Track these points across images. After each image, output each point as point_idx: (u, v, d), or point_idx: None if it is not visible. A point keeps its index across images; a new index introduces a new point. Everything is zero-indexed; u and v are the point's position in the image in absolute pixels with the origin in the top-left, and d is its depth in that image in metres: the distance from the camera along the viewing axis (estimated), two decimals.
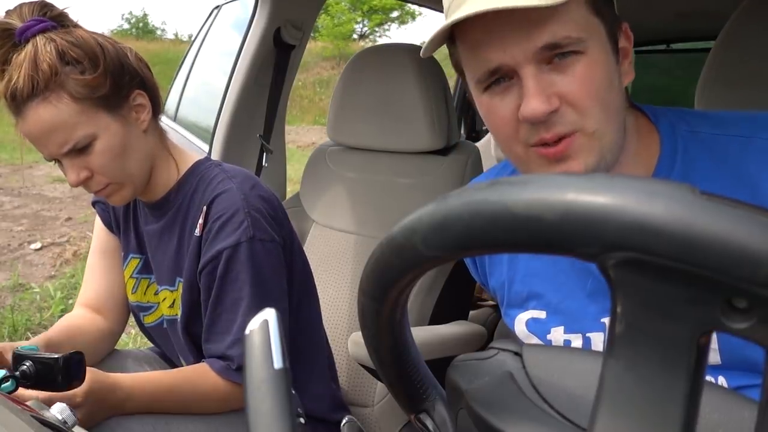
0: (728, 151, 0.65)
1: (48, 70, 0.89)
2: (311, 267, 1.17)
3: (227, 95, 1.73)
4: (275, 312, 0.34)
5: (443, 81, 1.46)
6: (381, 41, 15.56)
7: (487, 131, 2.86)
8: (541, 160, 0.64)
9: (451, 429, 0.49)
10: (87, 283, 1.18)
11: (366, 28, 18.80)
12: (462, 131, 2.80)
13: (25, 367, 0.81)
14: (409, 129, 1.44)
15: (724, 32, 1.01)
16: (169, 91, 3.19)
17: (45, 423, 0.57)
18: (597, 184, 0.27)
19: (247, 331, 0.34)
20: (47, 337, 1.00)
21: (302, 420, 0.40)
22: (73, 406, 0.81)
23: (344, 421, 0.59)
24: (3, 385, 0.79)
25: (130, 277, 1.15)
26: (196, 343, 1.05)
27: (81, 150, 0.94)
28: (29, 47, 0.90)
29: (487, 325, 1.41)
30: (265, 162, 1.76)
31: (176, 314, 1.08)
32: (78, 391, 0.84)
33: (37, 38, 0.90)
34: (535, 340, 0.77)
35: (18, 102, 0.90)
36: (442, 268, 1.37)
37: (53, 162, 0.97)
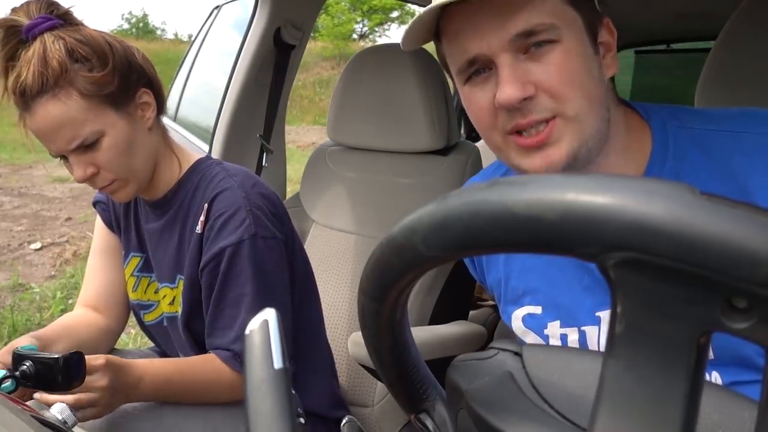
0: (719, 146, 0.66)
1: (58, 67, 0.90)
2: (311, 267, 1.17)
3: (227, 95, 1.73)
4: (275, 312, 0.34)
5: (443, 81, 1.46)
6: (381, 41, 15.57)
7: None
8: (519, 150, 0.65)
9: (451, 429, 0.49)
10: (87, 282, 1.18)
11: (366, 28, 18.81)
12: (462, 131, 2.80)
13: (25, 367, 0.81)
14: (409, 129, 1.44)
15: (724, 32, 1.01)
16: (169, 91, 3.19)
17: (45, 423, 0.57)
18: (597, 184, 0.27)
19: (247, 331, 0.34)
20: (43, 335, 1.01)
21: (302, 420, 0.40)
22: (96, 386, 0.82)
23: (344, 421, 0.59)
24: (3, 385, 0.79)
25: (131, 275, 1.15)
26: (196, 341, 1.06)
27: (88, 146, 0.95)
28: (37, 44, 0.91)
29: (487, 325, 1.41)
30: (265, 162, 1.76)
31: (177, 311, 1.08)
32: (98, 366, 0.85)
33: (45, 35, 0.91)
34: (531, 336, 0.77)
35: (27, 98, 0.91)
36: (442, 268, 1.37)
37: (59, 158, 0.98)
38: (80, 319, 1.12)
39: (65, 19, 0.95)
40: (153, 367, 0.95)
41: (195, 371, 0.97)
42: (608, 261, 0.27)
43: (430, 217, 0.32)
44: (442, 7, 0.62)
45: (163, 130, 1.08)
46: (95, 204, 1.20)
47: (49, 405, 0.74)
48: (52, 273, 3.78)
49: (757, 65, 0.98)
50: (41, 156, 1.03)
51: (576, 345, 0.73)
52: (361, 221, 1.50)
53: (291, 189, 2.04)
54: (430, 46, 0.79)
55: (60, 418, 0.62)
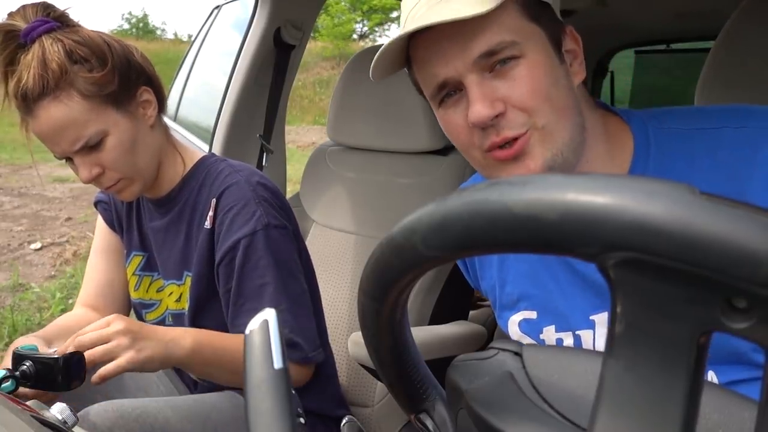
0: (700, 143, 0.66)
1: (57, 69, 0.90)
2: (312, 265, 1.18)
3: (227, 95, 1.73)
4: (275, 312, 0.34)
5: None
6: (381, 41, 15.55)
7: None
8: (497, 164, 0.66)
9: (451, 429, 0.49)
10: (87, 282, 1.19)
11: (366, 28, 18.80)
12: None
13: (25, 367, 0.81)
14: (409, 129, 1.44)
15: (724, 32, 1.01)
16: (169, 91, 3.19)
17: (45, 423, 0.57)
18: (597, 184, 0.27)
19: (247, 331, 0.34)
20: (43, 336, 1.01)
21: (302, 420, 0.40)
22: (110, 332, 0.84)
23: (344, 421, 0.59)
24: (3, 385, 0.79)
25: (133, 274, 1.16)
26: None
27: (92, 147, 0.95)
28: (36, 47, 0.91)
29: (487, 325, 1.40)
30: (265, 162, 1.76)
31: (183, 308, 1.08)
32: (110, 319, 0.86)
33: (44, 38, 0.92)
34: (528, 341, 0.77)
35: (28, 102, 0.92)
36: (442, 268, 1.37)
37: (63, 160, 0.99)
38: (79, 319, 1.12)
39: (62, 21, 0.95)
40: (186, 328, 0.97)
41: (226, 341, 0.97)
42: (608, 261, 0.27)
43: (430, 217, 0.32)
44: (409, 37, 0.65)
45: (165, 128, 1.08)
46: (96, 204, 1.20)
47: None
48: (52, 273, 3.78)
49: (757, 65, 0.98)
50: (40, 156, 1.03)
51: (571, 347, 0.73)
52: (361, 221, 1.50)
53: (291, 189, 2.04)
54: None
55: (60, 418, 0.62)
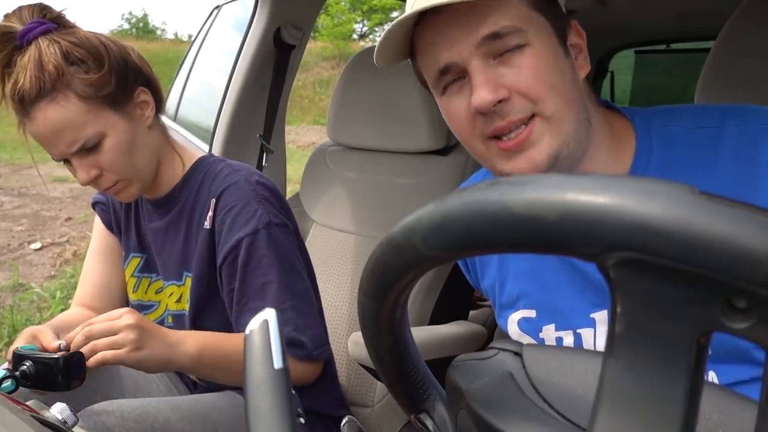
0: (702, 143, 0.66)
1: (54, 71, 0.90)
2: (312, 265, 1.17)
3: (227, 95, 1.73)
4: (275, 312, 0.34)
5: None
6: None
7: None
8: (501, 154, 0.66)
9: (451, 429, 0.49)
10: (84, 282, 1.18)
11: (366, 28, 18.80)
12: None
13: (25, 367, 0.81)
14: (409, 129, 1.44)
15: (724, 32, 1.01)
16: (169, 92, 3.19)
17: (45, 423, 0.57)
18: (597, 184, 0.27)
19: (247, 332, 0.34)
20: (51, 325, 1.01)
21: (302, 420, 0.40)
22: (121, 324, 0.84)
23: (344, 421, 0.59)
24: (3, 385, 0.79)
25: (131, 276, 1.15)
26: None
27: (90, 149, 0.95)
28: (33, 49, 0.91)
29: (487, 325, 1.40)
30: (265, 162, 1.76)
31: (184, 309, 1.08)
32: (122, 312, 0.86)
33: (40, 40, 0.91)
34: (527, 339, 0.77)
35: (25, 104, 0.91)
36: (442, 268, 1.37)
37: (62, 162, 0.98)
38: (77, 317, 1.12)
39: (58, 23, 0.95)
40: (190, 331, 0.97)
41: (228, 343, 0.97)
42: (608, 261, 0.27)
43: (430, 217, 0.32)
44: (414, 24, 0.64)
45: (163, 129, 1.08)
46: (94, 205, 1.20)
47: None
48: (52, 273, 3.78)
49: (757, 65, 0.98)
50: (39, 156, 1.03)
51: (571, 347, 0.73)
52: (361, 221, 1.50)
53: (291, 189, 2.04)
54: None
55: (60, 418, 0.62)
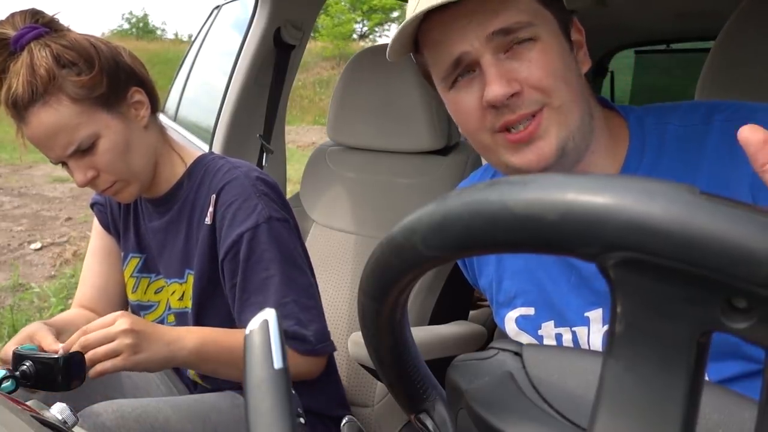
0: (690, 139, 0.67)
1: (45, 75, 0.91)
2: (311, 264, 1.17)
3: (227, 95, 1.73)
4: (275, 312, 0.34)
5: None
6: (381, 41, 15.54)
7: None
8: (509, 146, 0.66)
9: (451, 429, 0.49)
10: (83, 283, 1.19)
11: (366, 28, 18.79)
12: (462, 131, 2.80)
13: (25, 367, 0.81)
14: (409, 129, 1.44)
15: (724, 32, 1.01)
16: (169, 92, 3.19)
17: (45, 423, 0.57)
18: (597, 184, 0.27)
19: (247, 331, 0.34)
20: (52, 323, 1.01)
21: (302, 420, 0.40)
22: (116, 331, 0.84)
23: (344, 421, 0.59)
24: (3, 385, 0.79)
25: (130, 276, 1.15)
26: None
27: (86, 150, 0.96)
28: (25, 54, 0.92)
29: (487, 325, 1.40)
30: (265, 162, 1.76)
31: (186, 306, 1.08)
32: (115, 316, 0.86)
33: (32, 45, 0.92)
34: (525, 337, 0.77)
35: (19, 108, 0.92)
36: (442, 268, 1.37)
37: (60, 164, 0.99)
38: (73, 318, 1.12)
39: (50, 27, 0.95)
40: (190, 327, 0.98)
41: (228, 337, 0.97)
42: (608, 261, 0.27)
43: (430, 217, 0.32)
44: (422, 19, 0.65)
45: (160, 128, 1.08)
46: (93, 206, 1.20)
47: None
48: (52, 273, 3.78)
49: (757, 65, 0.98)
50: (39, 156, 1.04)
51: (570, 345, 0.73)
52: (361, 221, 1.50)
53: (291, 189, 2.04)
54: None
55: (60, 418, 0.62)
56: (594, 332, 0.71)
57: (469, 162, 1.43)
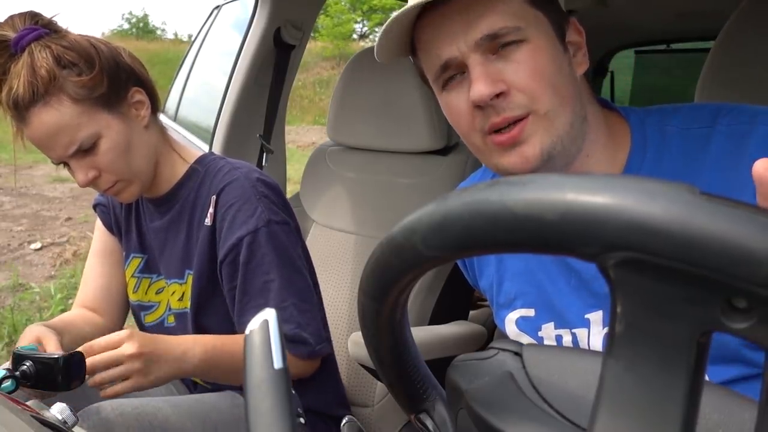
0: (694, 143, 0.67)
1: (46, 75, 0.91)
2: (312, 264, 1.18)
3: (227, 95, 1.73)
4: (275, 312, 0.34)
5: None
6: None
7: None
8: (496, 148, 0.66)
9: (451, 429, 0.49)
10: (84, 284, 1.19)
11: (366, 28, 18.79)
12: None
13: (25, 367, 0.81)
14: (409, 129, 1.44)
15: (724, 32, 1.01)
16: (169, 92, 3.19)
17: (45, 423, 0.57)
18: (597, 184, 0.27)
19: (246, 332, 0.34)
20: (53, 324, 1.01)
21: (302, 420, 0.40)
22: (125, 355, 0.84)
23: (344, 421, 0.59)
24: (3, 385, 0.79)
25: (132, 276, 1.16)
26: None
27: (87, 150, 0.96)
28: (25, 56, 0.92)
29: (487, 325, 1.40)
30: (265, 162, 1.76)
31: (186, 307, 1.09)
32: (122, 337, 0.86)
33: (33, 46, 0.93)
34: (525, 338, 0.77)
35: (20, 109, 0.93)
36: (442, 268, 1.37)
37: (61, 165, 0.99)
38: (74, 318, 1.12)
39: (50, 28, 0.96)
40: (195, 336, 0.97)
41: (233, 344, 0.98)
42: (608, 261, 0.27)
43: (430, 217, 0.32)
44: (414, 21, 0.65)
45: (160, 128, 1.09)
46: (95, 206, 1.21)
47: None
48: (52, 273, 3.78)
49: (757, 65, 0.98)
50: (39, 156, 1.04)
51: (570, 346, 0.73)
52: (361, 221, 1.50)
53: (291, 189, 2.04)
54: None
55: (60, 418, 0.62)
56: (594, 334, 0.71)
57: (469, 162, 1.43)
